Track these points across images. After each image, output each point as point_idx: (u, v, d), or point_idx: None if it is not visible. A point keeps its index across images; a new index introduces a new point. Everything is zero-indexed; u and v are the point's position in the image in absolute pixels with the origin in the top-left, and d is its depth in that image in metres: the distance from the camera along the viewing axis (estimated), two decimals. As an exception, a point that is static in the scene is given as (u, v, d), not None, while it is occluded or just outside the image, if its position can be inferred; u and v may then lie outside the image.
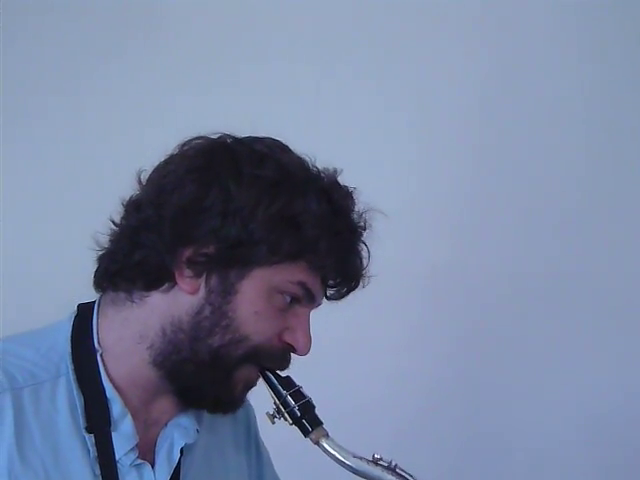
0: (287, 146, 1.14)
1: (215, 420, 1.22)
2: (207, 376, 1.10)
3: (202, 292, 1.08)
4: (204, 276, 1.08)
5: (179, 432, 1.15)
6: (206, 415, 1.20)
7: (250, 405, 1.32)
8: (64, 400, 1.07)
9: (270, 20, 2.07)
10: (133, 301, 1.11)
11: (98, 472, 1.06)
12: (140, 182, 1.13)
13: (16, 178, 2.10)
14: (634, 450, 1.95)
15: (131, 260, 1.09)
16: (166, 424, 1.15)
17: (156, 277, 1.09)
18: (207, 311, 1.08)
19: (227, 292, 1.08)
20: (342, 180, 1.16)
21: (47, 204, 2.08)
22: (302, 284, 1.10)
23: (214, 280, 1.08)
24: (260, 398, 1.16)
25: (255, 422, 1.34)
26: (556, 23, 2.02)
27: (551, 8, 2.02)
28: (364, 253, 1.17)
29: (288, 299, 1.11)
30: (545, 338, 1.99)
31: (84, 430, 1.06)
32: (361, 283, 1.18)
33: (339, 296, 1.18)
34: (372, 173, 1.78)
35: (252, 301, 1.08)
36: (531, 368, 1.99)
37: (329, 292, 1.17)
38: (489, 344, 2.01)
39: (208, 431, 1.22)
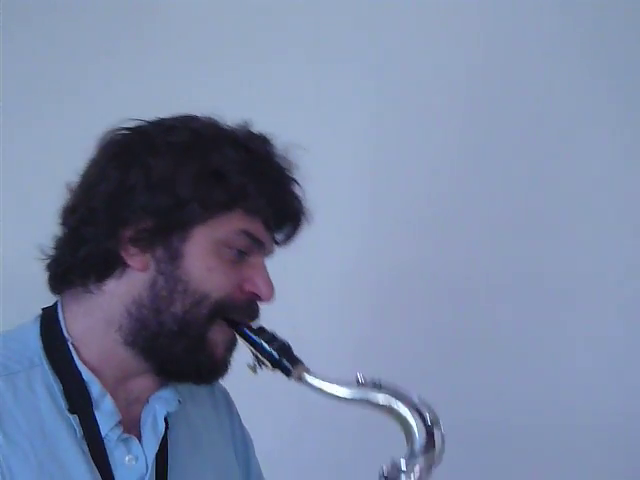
0: (196, 115, 1.19)
1: (196, 400, 1.27)
2: (181, 345, 1.13)
3: (152, 266, 1.12)
4: (150, 250, 1.12)
5: (160, 404, 1.18)
6: (187, 393, 1.23)
7: (228, 394, 1.36)
8: (42, 387, 1.10)
9: (270, 20, 2.09)
10: (92, 292, 1.14)
11: (86, 449, 1.09)
12: (70, 190, 1.18)
13: (16, 178, 2.11)
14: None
15: (78, 257, 1.13)
16: (148, 400, 1.18)
17: (106, 265, 1.13)
18: (161, 281, 1.12)
19: (174, 258, 1.12)
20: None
21: (47, 204, 2.08)
22: (245, 232, 1.14)
23: (159, 251, 1.12)
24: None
25: (236, 410, 1.36)
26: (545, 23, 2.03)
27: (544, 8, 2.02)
28: (298, 190, 1.20)
29: (236, 251, 1.14)
30: (514, 334, 1.98)
31: (67, 412, 1.09)
32: (304, 221, 1.21)
33: (287, 238, 1.22)
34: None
35: (201, 259, 1.12)
36: (499, 363, 1.98)
37: (277, 237, 1.21)
38: (456, 342, 2.01)
39: (192, 407, 1.25)
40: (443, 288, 1.99)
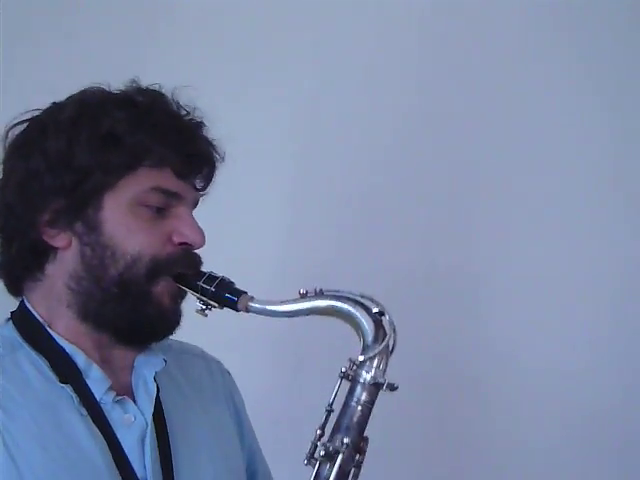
0: (86, 88, 1.21)
1: (183, 366, 1.29)
2: (128, 305, 1.15)
3: (75, 240, 1.15)
4: (69, 228, 1.15)
5: (147, 366, 1.20)
6: (172, 358, 1.25)
7: (228, 373, 1.38)
8: (28, 365, 1.13)
9: (269, 21, 2.08)
10: (40, 280, 1.18)
11: (85, 413, 1.11)
12: None
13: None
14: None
15: (12, 256, 1.17)
16: (134, 366, 1.20)
17: (37, 254, 1.16)
18: (89, 252, 1.15)
19: (94, 227, 1.15)
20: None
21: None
22: (155, 189, 1.16)
23: (78, 226, 1.15)
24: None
25: (236, 389, 1.38)
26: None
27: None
28: (201, 131, 1.22)
29: (154, 208, 1.16)
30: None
31: (59, 383, 1.12)
32: (216, 159, 1.23)
33: (206, 180, 1.23)
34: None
35: (119, 223, 1.14)
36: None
37: (196, 182, 1.22)
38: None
39: (177, 370, 1.28)
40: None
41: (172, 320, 1.19)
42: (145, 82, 1.22)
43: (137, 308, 1.16)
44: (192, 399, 1.27)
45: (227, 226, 1.81)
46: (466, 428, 1.90)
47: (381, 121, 2.00)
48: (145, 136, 1.15)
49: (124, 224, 1.15)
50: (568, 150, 1.94)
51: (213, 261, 1.20)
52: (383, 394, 1.11)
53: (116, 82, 1.22)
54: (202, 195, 1.26)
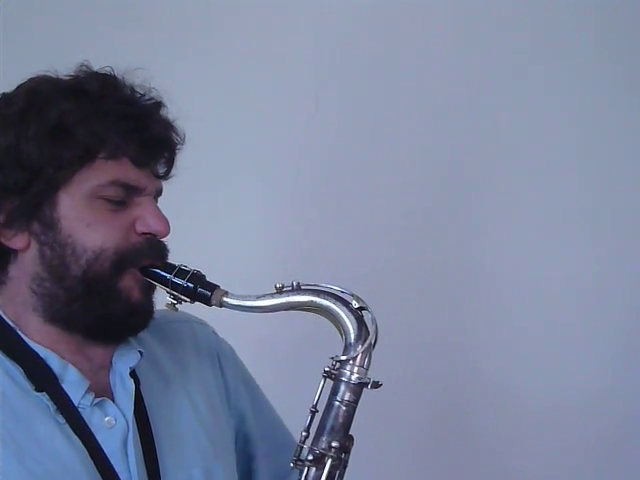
0: (36, 76, 1.13)
1: (170, 346, 1.26)
2: (96, 304, 1.10)
3: (33, 241, 1.10)
4: (25, 228, 1.09)
5: (122, 362, 1.16)
6: (156, 341, 1.23)
7: (222, 341, 1.34)
8: (2, 375, 1.08)
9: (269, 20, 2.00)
10: (5, 283, 1.13)
11: (63, 421, 1.08)
12: None
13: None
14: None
15: None
16: (112, 363, 1.16)
17: None
18: (48, 251, 1.09)
19: (51, 226, 1.09)
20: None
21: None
22: (114, 182, 1.09)
23: (35, 225, 1.09)
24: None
25: (223, 351, 1.33)
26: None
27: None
28: (158, 114, 1.14)
29: (114, 201, 1.10)
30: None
31: (34, 392, 1.08)
32: (177, 142, 1.16)
33: (167, 167, 1.16)
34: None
35: (77, 219, 1.08)
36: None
37: (157, 170, 1.15)
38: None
39: (162, 353, 1.25)
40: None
41: (144, 313, 1.15)
42: (144, 71, 1.13)
43: (105, 305, 1.11)
44: (176, 382, 1.24)
45: (214, 222, 1.82)
46: (458, 425, 1.93)
47: (381, 121, 1.96)
48: (97, 126, 1.07)
49: (82, 219, 1.09)
50: (568, 150, 1.92)
51: (200, 257, 1.15)
52: (368, 391, 1.09)
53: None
54: (167, 179, 1.18)
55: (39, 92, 1.09)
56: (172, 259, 1.15)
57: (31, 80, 1.12)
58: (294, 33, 1.97)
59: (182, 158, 1.18)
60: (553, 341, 1.91)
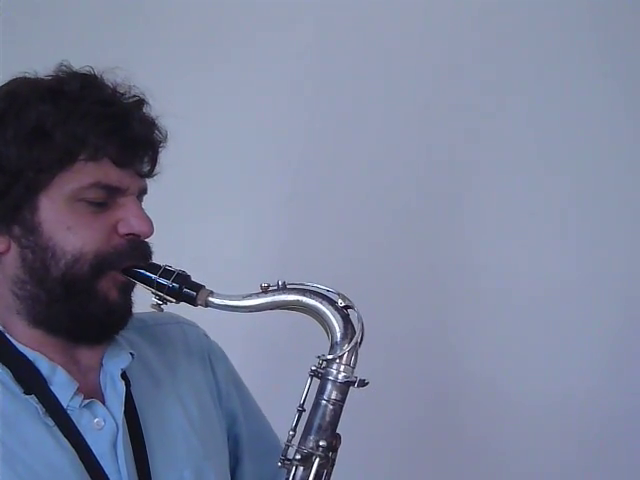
0: (17, 77, 1.11)
1: (160, 347, 1.26)
2: (74, 305, 1.10)
3: (14, 244, 1.09)
4: (6, 231, 1.09)
5: (113, 364, 1.16)
6: (146, 342, 1.22)
7: (213, 343, 1.33)
8: None
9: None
10: None
11: (52, 424, 1.08)
12: None
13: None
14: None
15: None
16: (102, 364, 1.16)
17: None
18: (29, 254, 1.09)
19: (32, 229, 1.08)
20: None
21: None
22: (96, 185, 1.08)
23: (15, 228, 1.09)
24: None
25: (213, 352, 1.33)
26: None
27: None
28: (135, 115, 1.12)
29: (95, 203, 1.09)
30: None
31: (23, 395, 1.08)
32: (159, 140, 1.15)
33: (150, 165, 1.15)
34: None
35: (58, 221, 1.08)
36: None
37: (141, 168, 1.13)
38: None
39: (153, 354, 1.24)
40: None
41: (121, 313, 1.14)
42: (140, 78, 1.12)
43: (83, 306, 1.10)
44: (166, 384, 1.23)
45: (199, 221, 1.81)
46: (447, 422, 1.93)
47: (377, 122, 1.96)
48: (76, 128, 1.06)
49: (62, 222, 1.08)
50: (568, 151, 1.91)
51: (186, 257, 1.15)
52: (356, 390, 1.09)
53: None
54: (152, 177, 1.17)
55: (17, 94, 1.08)
56: (158, 259, 1.15)
57: (10, 82, 1.11)
58: (290, 32, 1.97)
59: (170, 157, 1.18)
60: (545, 340, 1.92)
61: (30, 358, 1.10)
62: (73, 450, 1.08)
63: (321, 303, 1.10)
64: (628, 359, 1.91)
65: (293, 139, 1.95)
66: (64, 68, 1.12)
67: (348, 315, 1.11)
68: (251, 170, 1.93)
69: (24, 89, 1.09)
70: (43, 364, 1.10)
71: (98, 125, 1.07)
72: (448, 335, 1.95)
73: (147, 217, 1.13)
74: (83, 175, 1.08)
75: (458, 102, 1.93)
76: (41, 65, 1.12)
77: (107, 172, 1.09)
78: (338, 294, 1.12)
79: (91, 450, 1.09)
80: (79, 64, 1.13)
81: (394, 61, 1.95)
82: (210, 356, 1.32)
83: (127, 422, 1.14)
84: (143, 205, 1.16)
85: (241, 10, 1.99)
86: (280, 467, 1.09)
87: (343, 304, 1.11)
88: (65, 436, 1.08)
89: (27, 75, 1.11)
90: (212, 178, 1.87)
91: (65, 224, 1.08)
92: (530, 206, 1.94)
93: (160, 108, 1.16)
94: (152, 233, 1.13)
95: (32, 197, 1.07)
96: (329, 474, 1.10)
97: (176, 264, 1.13)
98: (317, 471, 1.07)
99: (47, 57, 1.10)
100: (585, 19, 1.91)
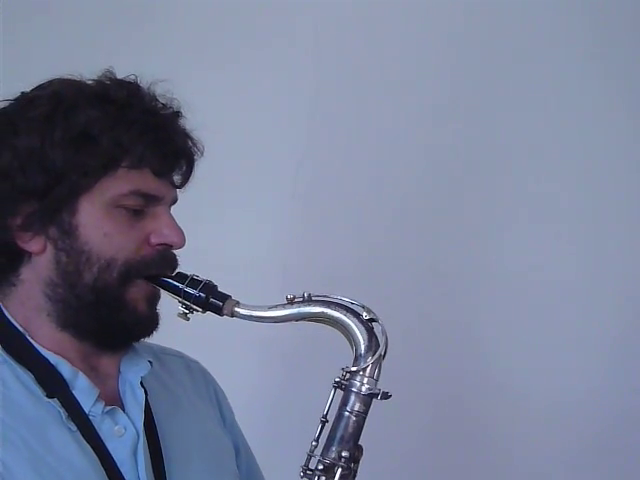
0: (57, 78, 1.13)
1: (166, 366, 1.27)
2: (103, 312, 1.11)
3: (50, 245, 1.10)
4: (43, 232, 1.09)
5: (133, 372, 1.17)
6: (154, 360, 1.22)
7: (209, 373, 1.35)
8: (12, 380, 1.08)
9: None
10: (15, 284, 1.12)
11: (74, 428, 1.08)
12: None
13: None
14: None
15: None
16: (120, 372, 1.17)
17: (10, 258, 1.10)
18: (64, 257, 1.09)
19: (69, 232, 1.09)
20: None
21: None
22: (134, 192, 1.10)
23: (52, 230, 1.09)
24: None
25: (215, 382, 1.35)
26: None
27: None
28: (178, 125, 1.15)
29: (132, 211, 1.11)
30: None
31: (46, 397, 1.08)
32: (195, 154, 1.17)
33: (185, 177, 1.17)
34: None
35: (95, 227, 1.09)
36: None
37: (175, 179, 1.16)
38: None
39: (163, 372, 1.25)
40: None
41: (149, 324, 1.15)
42: (146, 74, 1.14)
43: (112, 314, 1.11)
44: (180, 399, 1.25)
45: (220, 227, 1.81)
46: (467, 434, 1.93)
47: (380, 121, 1.97)
48: (122, 135, 1.08)
49: (99, 228, 1.09)
50: (568, 151, 1.93)
51: (207, 262, 1.17)
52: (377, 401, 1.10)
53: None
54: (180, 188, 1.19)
55: (65, 96, 1.09)
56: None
57: (54, 82, 1.12)
58: (293, 35, 1.98)
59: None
60: (549, 339, 1.92)
61: (52, 362, 1.10)
62: (95, 455, 1.08)
63: (346, 315, 1.12)
64: (630, 358, 1.91)
65: (295, 139, 1.97)
66: (108, 74, 1.14)
67: (372, 328, 1.12)
68: (252, 170, 1.94)
69: (70, 91, 1.10)
70: (65, 368, 1.10)
71: (143, 134, 1.09)
72: (450, 337, 1.95)
73: (180, 228, 1.14)
74: (125, 182, 1.09)
75: (458, 102, 1.95)
76: (41, 67, 1.12)
77: (147, 181, 1.11)
78: (363, 307, 1.13)
79: (112, 457, 1.10)
80: (78, 66, 1.14)
81: (394, 61, 1.97)
82: (215, 389, 1.34)
83: (145, 431, 1.14)
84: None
85: (241, 10, 2.00)
86: (302, 478, 1.10)
87: (368, 317, 1.12)
88: (87, 441, 1.08)
89: (71, 77, 1.12)
90: (213, 179, 1.86)
91: (102, 229, 1.09)
92: (531, 206, 1.95)
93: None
94: (184, 244, 1.15)
95: (72, 200, 1.08)
96: (351, 485, 1.11)
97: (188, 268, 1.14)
98: (339, 481, 1.08)
99: (47, 57, 1.11)
100: (585, 19, 1.94)
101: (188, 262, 1.17)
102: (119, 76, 1.15)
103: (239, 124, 1.93)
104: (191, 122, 1.18)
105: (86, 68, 1.14)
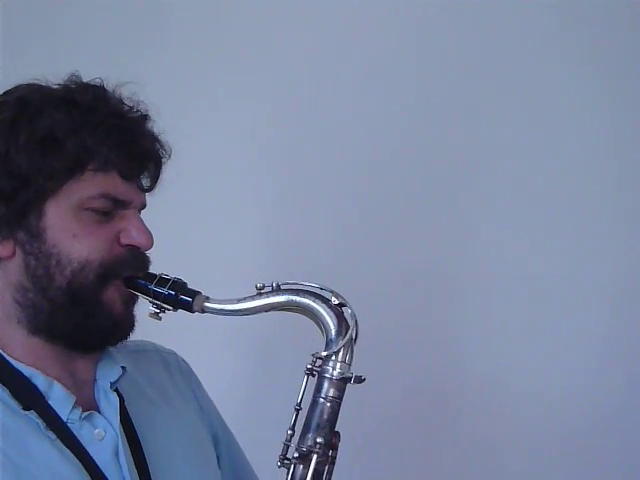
0: (27, 83, 1.13)
1: (142, 368, 1.26)
2: (78, 314, 1.10)
3: (19, 250, 1.10)
4: (11, 236, 1.09)
5: (104, 377, 1.17)
6: (131, 362, 1.22)
7: (183, 361, 1.35)
8: None
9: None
10: None
11: (54, 437, 1.08)
12: None
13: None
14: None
15: None
16: (96, 380, 1.17)
17: None
18: (33, 261, 1.09)
19: (37, 235, 1.09)
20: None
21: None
22: (104, 195, 1.10)
23: (20, 233, 1.09)
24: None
25: (193, 374, 1.35)
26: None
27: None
28: (145, 127, 1.15)
29: (101, 213, 1.11)
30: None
31: (22, 410, 1.08)
32: (163, 156, 1.17)
33: (153, 180, 1.17)
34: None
35: (63, 229, 1.09)
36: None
37: (143, 183, 1.16)
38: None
39: (138, 374, 1.25)
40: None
41: (125, 326, 1.15)
42: (144, 80, 1.14)
43: (88, 316, 1.11)
44: (157, 400, 1.25)
45: (195, 225, 1.82)
46: (445, 418, 1.92)
47: (377, 120, 1.96)
48: (87, 138, 1.08)
49: (67, 230, 1.09)
50: (567, 151, 1.92)
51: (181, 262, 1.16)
52: (355, 387, 1.09)
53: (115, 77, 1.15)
54: (150, 192, 1.19)
55: (30, 101, 1.10)
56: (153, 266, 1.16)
57: (20, 87, 1.13)
58: (290, 32, 1.98)
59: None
60: (542, 337, 1.90)
61: (26, 374, 1.10)
62: (78, 461, 1.08)
63: (314, 302, 1.11)
64: (621, 357, 1.88)
65: (287, 139, 1.97)
66: (74, 78, 1.15)
67: (342, 312, 1.11)
68: (243, 170, 1.94)
69: (36, 96, 1.11)
70: (39, 379, 1.10)
71: (109, 137, 1.09)
72: (443, 332, 1.93)
73: (148, 230, 1.14)
74: (91, 185, 1.09)
75: (458, 102, 1.94)
76: (40, 67, 1.13)
77: (115, 184, 1.11)
78: (332, 292, 1.12)
79: (94, 461, 1.09)
80: (78, 66, 1.16)
81: (393, 61, 1.96)
82: (191, 380, 1.34)
83: (125, 432, 1.14)
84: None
85: (240, 11, 2.01)
86: (279, 467, 1.09)
87: (336, 302, 1.12)
88: (69, 448, 1.08)
89: (35, 82, 1.13)
90: (203, 180, 1.88)
91: (71, 231, 1.09)
92: (528, 205, 1.93)
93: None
94: (152, 246, 1.15)
95: (39, 203, 1.08)
96: (330, 473, 1.09)
97: (167, 267, 1.14)
98: (315, 469, 1.07)
99: (45, 58, 1.12)
100: (585, 19, 1.92)
101: (164, 262, 1.17)
102: (121, 77, 1.15)
103: (230, 126, 1.94)
104: (159, 125, 1.19)
105: (86, 68, 1.15)
